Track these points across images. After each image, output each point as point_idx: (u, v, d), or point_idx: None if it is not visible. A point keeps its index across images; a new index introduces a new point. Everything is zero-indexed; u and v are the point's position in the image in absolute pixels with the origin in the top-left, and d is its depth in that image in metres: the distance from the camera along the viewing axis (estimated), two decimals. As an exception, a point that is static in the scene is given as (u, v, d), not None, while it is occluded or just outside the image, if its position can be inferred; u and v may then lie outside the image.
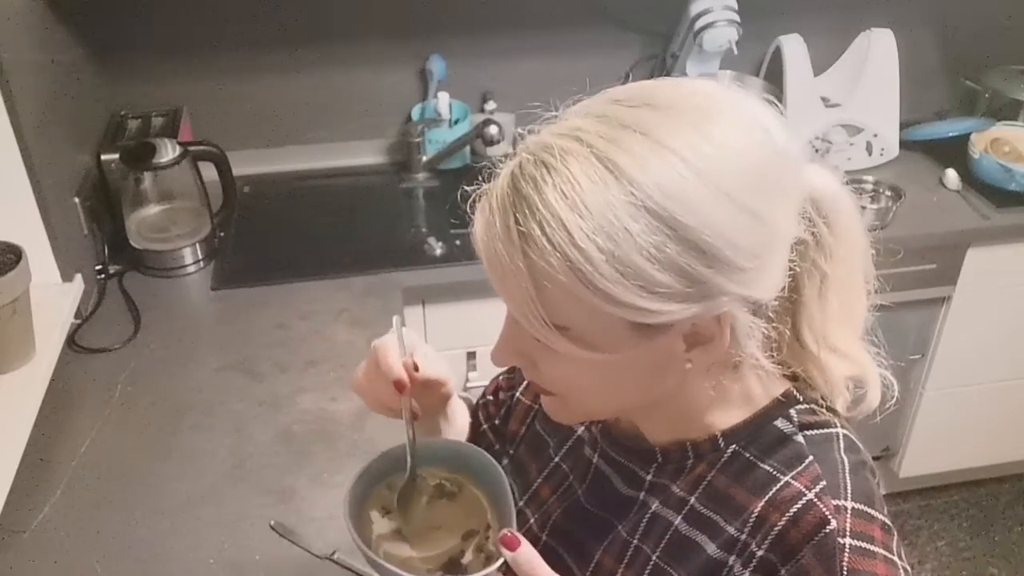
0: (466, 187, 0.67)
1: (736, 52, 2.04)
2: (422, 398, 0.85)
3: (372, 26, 2.07)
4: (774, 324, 0.67)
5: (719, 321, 0.63)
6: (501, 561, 0.67)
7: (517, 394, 0.94)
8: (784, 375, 0.73)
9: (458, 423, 0.96)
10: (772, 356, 0.68)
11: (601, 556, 0.77)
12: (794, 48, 2.09)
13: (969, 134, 2.12)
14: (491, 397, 1.00)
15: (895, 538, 0.67)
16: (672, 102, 0.61)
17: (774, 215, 0.61)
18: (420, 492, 0.79)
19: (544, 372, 0.68)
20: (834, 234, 0.67)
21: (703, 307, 0.60)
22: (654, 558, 0.73)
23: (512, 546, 0.65)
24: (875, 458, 2.39)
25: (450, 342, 1.85)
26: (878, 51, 2.10)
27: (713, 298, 0.60)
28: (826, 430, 0.71)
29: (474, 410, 1.02)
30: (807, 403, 0.72)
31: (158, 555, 1.21)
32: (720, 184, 0.58)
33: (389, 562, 0.70)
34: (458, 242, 1.88)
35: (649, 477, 0.76)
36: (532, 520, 0.85)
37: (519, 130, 2.19)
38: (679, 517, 0.72)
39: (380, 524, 0.77)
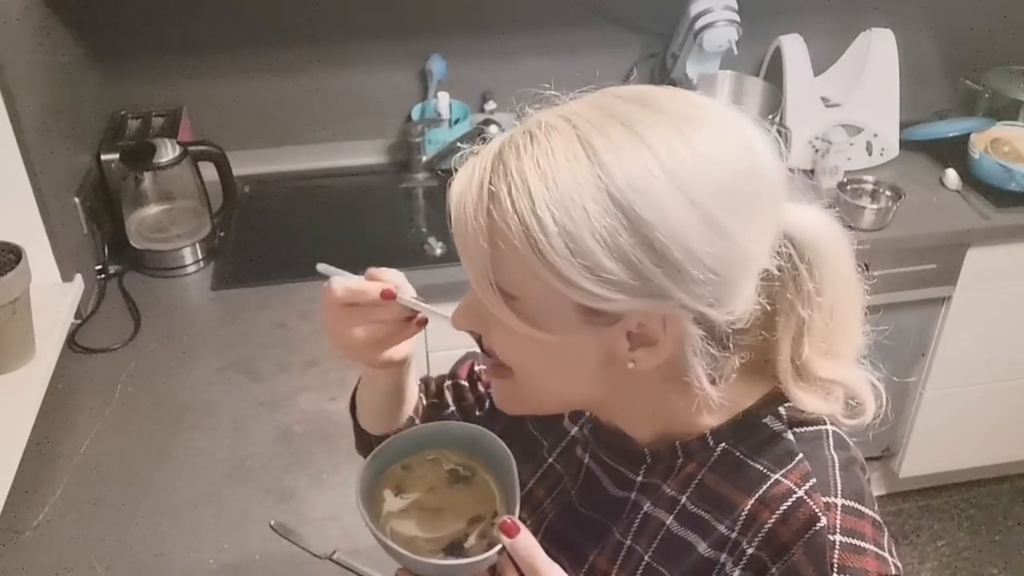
0: (460, 143, 0.70)
1: (736, 52, 2.04)
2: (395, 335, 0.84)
3: (372, 26, 2.07)
4: (731, 354, 0.66)
5: (664, 326, 0.63)
6: (500, 547, 0.67)
7: None
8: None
9: (411, 394, 0.94)
10: (718, 387, 0.67)
11: (595, 558, 0.77)
12: (794, 48, 2.09)
13: (969, 134, 2.11)
14: (465, 383, 0.99)
15: (886, 534, 0.67)
16: (665, 104, 0.62)
17: (741, 236, 0.60)
18: (433, 471, 0.81)
19: (494, 342, 0.69)
20: (816, 279, 0.65)
21: (646, 304, 0.60)
22: (647, 558, 0.73)
23: (511, 533, 0.66)
24: (875, 458, 2.40)
25: (450, 342, 1.84)
26: (878, 51, 2.10)
27: (657, 298, 0.60)
28: (815, 427, 0.71)
29: (435, 389, 1.00)
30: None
31: (158, 555, 1.21)
32: (688, 189, 0.58)
33: (395, 540, 0.72)
34: (458, 242, 1.87)
35: (639, 478, 0.75)
36: (527, 522, 0.84)
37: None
38: (671, 517, 0.72)
39: (392, 502, 0.78)
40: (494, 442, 0.79)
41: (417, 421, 0.94)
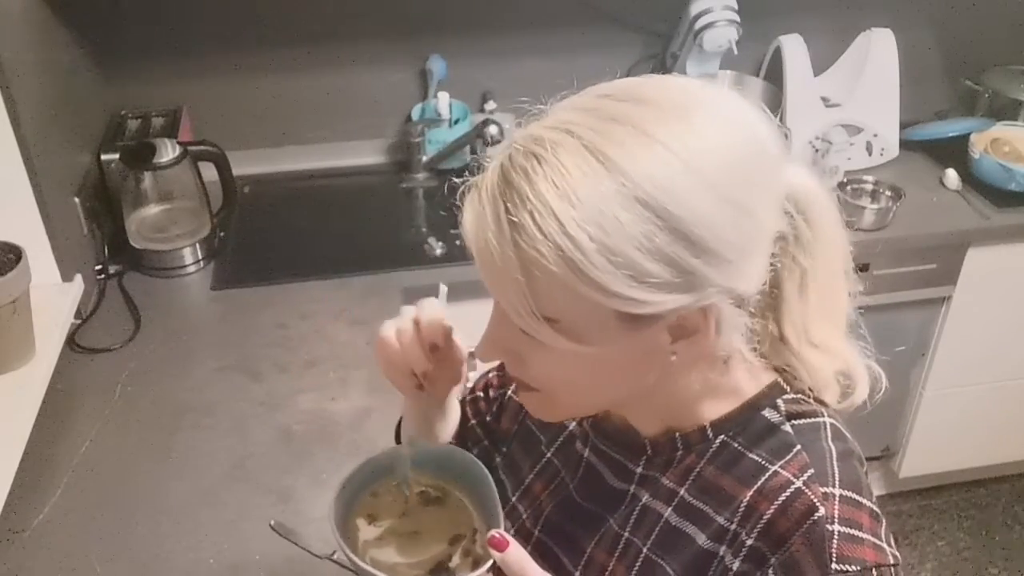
0: (454, 179, 0.67)
1: (736, 52, 2.04)
2: (438, 371, 0.85)
3: (372, 26, 2.07)
4: (756, 318, 0.67)
5: (704, 314, 0.63)
6: (490, 563, 0.67)
7: (509, 392, 0.94)
8: (771, 367, 0.74)
9: (452, 417, 0.96)
10: (755, 349, 0.69)
11: (593, 550, 0.78)
12: (794, 48, 2.09)
13: (969, 134, 2.12)
14: (480, 394, 1.00)
15: (883, 525, 0.68)
16: (658, 97, 0.62)
17: (758, 208, 0.62)
18: (405, 496, 0.80)
19: (530, 367, 0.68)
20: (812, 230, 0.68)
21: (690, 298, 0.61)
22: (645, 550, 0.73)
23: (501, 547, 0.66)
24: (875, 458, 2.40)
25: (450, 342, 1.85)
26: (878, 51, 2.10)
27: (700, 289, 0.61)
28: (813, 419, 0.71)
29: (462, 407, 1.02)
30: (794, 393, 0.73)
31: (158, 555, 1.21)
32: (707, 176, 0.59)
33: (377, 568, 0.70)
34: (458, 242, 1.87)
35: (639, 470, 0.76)
36: (525, 516, 0.85)
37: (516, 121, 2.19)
38: (669, 509, 0.73)
39: (366, 531, 0.77)
40: (464, 457, 0.79)
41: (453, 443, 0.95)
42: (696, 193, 0.58)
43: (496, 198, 0.60)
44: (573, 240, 0.57)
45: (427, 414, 0.91)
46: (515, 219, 0.59)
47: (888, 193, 2.02)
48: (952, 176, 2.08)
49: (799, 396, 0.72)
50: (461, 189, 0.65)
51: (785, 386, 0.73)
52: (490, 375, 1.01)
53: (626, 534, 0.75)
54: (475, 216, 0.62)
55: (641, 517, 0.75)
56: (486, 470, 0.77)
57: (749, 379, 0.72)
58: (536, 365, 0.67)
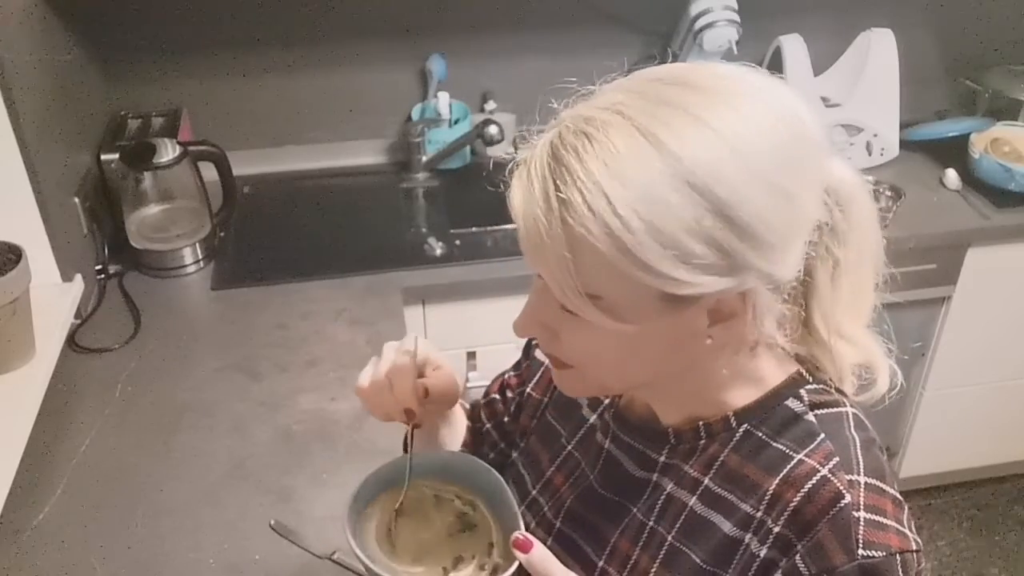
0: (505, 155, 0.70)
1: (736, 52, 2.04)
2: (428, 407, 0.86)
3: (372, 26, 2.07)
4: (788, 305, 0.69)
5: (743, 298, 0.64)
6: (514, 567, 0.67)
7: (527, 390, 0.95)
8: (794, 357, 0.75)
9: (457, 427, 0.97)
10: (786, 335, 0.70)
11: (617, 539, 0.78)
12: (794, 48, 2.09)
13: (969, 134, 2.11)
14: (497, 396, 1.00)
15: (906, 511, 0.68)
16: (707, 83, 0.63)
17: (800, 195, 0.63)
18: (421, 510, 0.80)
19: (566, 342, 0.68)
20: (848, 223, 0.69)
21: (732, 282, 0.62)
22: (670, 538, 0.74)
23: (525, 548, 0.66)
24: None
25: (450, 342, 1.85)
26: (878, 51, 2.10)
27: (742, 273, 0.62)
28: (836, 409, 0.72)
29: (475, 412, 1.02)
30: (817, 383, 0.73)
31: (158, 555, 1.21)
32: (753, 161, 0.60)
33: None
34: (458, 242, 1.88)
35: (662, 459, 0.76)
36: (546, 508, 0.85)
37: (520, 130, 2.19)
38: (694, 497, 0.73)
39: (381, 542, 0.78)
40: (472, 463, 0.79)
41: (464, 451, 0.97)
42: (743, 178, 0.60)
43: (545, 175, 0.61)
44: (622, 219, 0.58)
45: (430, 431, 0.92)
46: (564, 196, 0.59)
47: (888, 193, 2.01)
48: (952, 176, 2.08)
49: (821, 386, 0.73)
50: (509, 166, 0.66)
51: (808, 376, 0.74)
52: (507, 376, 1.01)
53: (651, 523, 0.76)
54: (523, 192, 0.62)
55: (666, 506, 0.75)
56: (494, 472, 0.77)
57: (774, 368, 0.73)
58: (572, 342, 0.68)
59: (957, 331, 2.14)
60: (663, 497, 0.75)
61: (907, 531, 0.67)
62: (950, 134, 2.17)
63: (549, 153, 0.61)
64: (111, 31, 1.93)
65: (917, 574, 0.66)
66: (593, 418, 0.86)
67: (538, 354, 0.95)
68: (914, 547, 0.66)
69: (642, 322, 0.63)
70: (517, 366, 1.00)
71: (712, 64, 0.67)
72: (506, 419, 0.98)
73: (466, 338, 1.86)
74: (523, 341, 0.95)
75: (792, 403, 0.72)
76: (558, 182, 0.60)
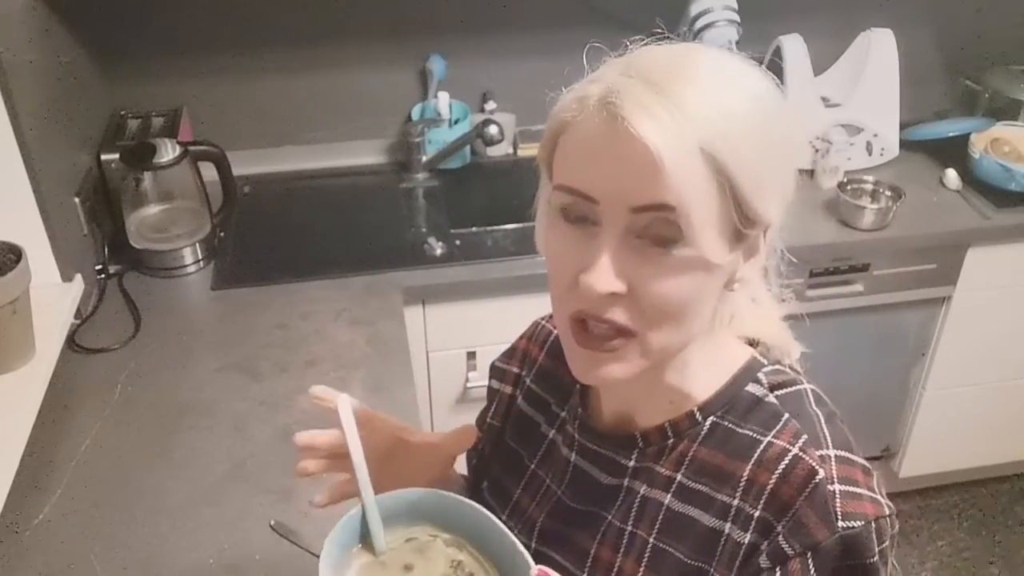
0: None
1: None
2: (412, 460, 0.84)
3: (372, 26, 2.07)
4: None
5: (764, 236, 0.68)
6: None
7: (488, 419, 0.93)
8: (745, 341, 0.76)
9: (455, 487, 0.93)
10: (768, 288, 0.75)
11: (597, 550, 0.77)
12: (794, 48, 2.09)
13: (969, 134, 2.11)
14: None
15: (874, 477, 0.70)
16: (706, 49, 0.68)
17: (803, 145, 0.70)
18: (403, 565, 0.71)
19: (645, 293, 0.63)
20: None
21: (779, 213, 0.67)
22: (651, 540, 0.74)
23: None
24: (875, 458, 2.40)
25: (450, 342, 1.85)
26: (878, 51, 2.10)
27: (782, 206, 0.68)
28: (795, 387, 0.74)
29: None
30: (771, 364, 0.75)
31: (158, 555, 1.21)
32: (784, 104, 0.67)
33: None
34: (458, 242, 1.88)
35: (631, 463, 0.76)
36: (516, 532, 0.82)
37: (519, 129, 2.19)
38: (668, 495, 0.73)
39: None
40: (444, 500, 0.72)
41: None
42: (788, 114, 0.66)
43: (659, 100, 0.60)
44: (741, 132, 0.61)
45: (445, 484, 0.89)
46: (686, 113, 0.60)
47: (888, 193, 2.02)
48: (952, 176, 2.08)
49: (777, 367, 0.75)
50: (580, 110, 0.64)
51: (763, 359, 0.75)
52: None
53: (629, 527, 0.75)
54: (647, 117, 0.59)
55: (642, 508, 0.75)
56: (476, 506, 0.71)
57: (732, 350, 0.75)
58: (654, 290, 0.63)
59: (957, 331, 2.14)
60: (638, 500, 0.75)
61: (879, 497, 0.68)
62: (950, 134, 2.17)
63: (645, 87, 0.61)
64: (111, 31, 1.93)
65: (892, 536, 0.68)
66: (552, 434, 0.85)
67: (492, 383, 0.93)
68: (887, 511, 0.67)
69: (722, 258, 0.65)
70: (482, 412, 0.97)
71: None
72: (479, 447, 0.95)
73: (466, 338, 1.86)
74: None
75: (752, 387, 0.73)
76: (677, 103, 0.60)
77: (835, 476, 0.67)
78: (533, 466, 0.86)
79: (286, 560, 1.18)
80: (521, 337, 0.93)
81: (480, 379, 1.89)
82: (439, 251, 1.85)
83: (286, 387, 1.49)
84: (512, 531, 0.71)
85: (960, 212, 2.02)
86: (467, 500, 0.71)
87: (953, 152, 2.13)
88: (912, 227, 1.96)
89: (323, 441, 0.81)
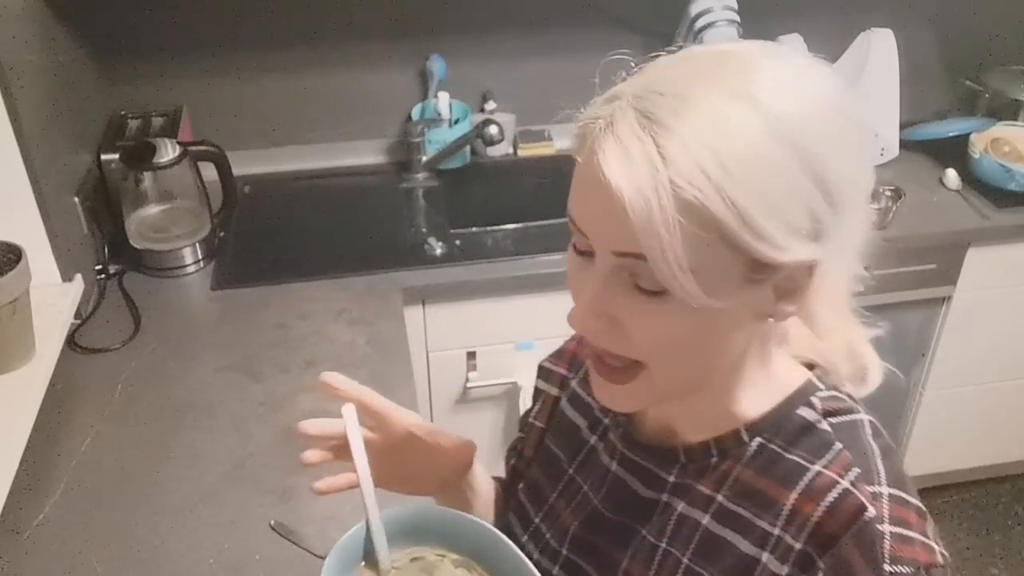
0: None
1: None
2: (427, 457, 0.83)
3: (372, 26, 2.07)
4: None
5: (810, 271, 0.62)
6: None
7: (531, 419, 0.91)
8: (802, 363, 0.72)
9: (483, 492, 0.92)
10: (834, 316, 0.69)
11: (628, 564, 0.75)
12: (794, 48, 2.09)
13: (969, 134, 2.11)
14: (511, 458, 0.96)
15: (929, 522, 0.66)
16: (772, 50, 0.62)
17: (869, 165, 0.62)
18: None
19: (637, 332, 0.62)
20: None
21: (814, 250, 0.59)
22: (685, 560, 0.70)
23: None
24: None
25: (450, 342, 1.85)
26: (878, 51, 2.10)
27: (822, 242, 0.60)
28: (851, 416, 0.69)
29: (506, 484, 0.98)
30: (828, 389, 0.70)
31: (158, 555, 1.21)
32: (836, 122, 0.59)
33: None
34: (458, 242, 1.88)
35: (672, 478, 0.73)
36: (548, 536, 0.82)
37: (519, 129, 2.19)
38: (707, 516, 0.70)
39: None
40: (444, 516, 0.71)
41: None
42: (832, 136, 0.58)
43: (642, 137, 0.56)
44: (732, 177, 0.55)
45: (460, 503, 0.88)
46: (669, 158, 0.55)
47: (888, 193, 2.01)
48: (952, 176, 2.08)
49: (834, 393, 0.70)
50: (579, 125, 0.61)
51: (818, 383, 0.71)
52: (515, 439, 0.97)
53: (663, 544, 0.72)
54: (621, 161, 0.56)
55: (678, 526, 0.72)
56: (486, 524, 0.70)
57: (786, 372, 0.71)
58: (646, 330, 0.61)
59: (957, 331, 2.14)
60: (675, 517, 0.72)
61: (933, 544, 0.64)
62: (950, 134, 2.17)
63: (636, 119, 0.57)
64: (111, 31, 1.93)
65: None
66: (594, 440, 0.82)
67: (539, 384, 0.92)
68: (940, 561, 0.64)
69: (727, 298, 0.59)
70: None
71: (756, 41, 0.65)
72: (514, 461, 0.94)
73: (466, 338, 1.86)
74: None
75: (804, 412, 0.69)
76: (660, 144, 0.55)
77: (887, 516, 0.63)
78: (572, 471, 0.84)
79: (286, 560, 1.18)
80: (572, 339, 0.91)
81: (480, 379, 1.89)
82: (439, 251, 1.85)
83: (286, 387, 1.49)
84: (542, 536, 0.71)
85: (960, 212, 2.02)
86: (476, 519, 0.70)
87: (953, 152, 2.13)
88: (912, 227, 1.96)
89: (330, 430, 0.80)
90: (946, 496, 2.53)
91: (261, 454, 1.37)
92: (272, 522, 1.22)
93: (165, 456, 1.37)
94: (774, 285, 0.62)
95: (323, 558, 1.11)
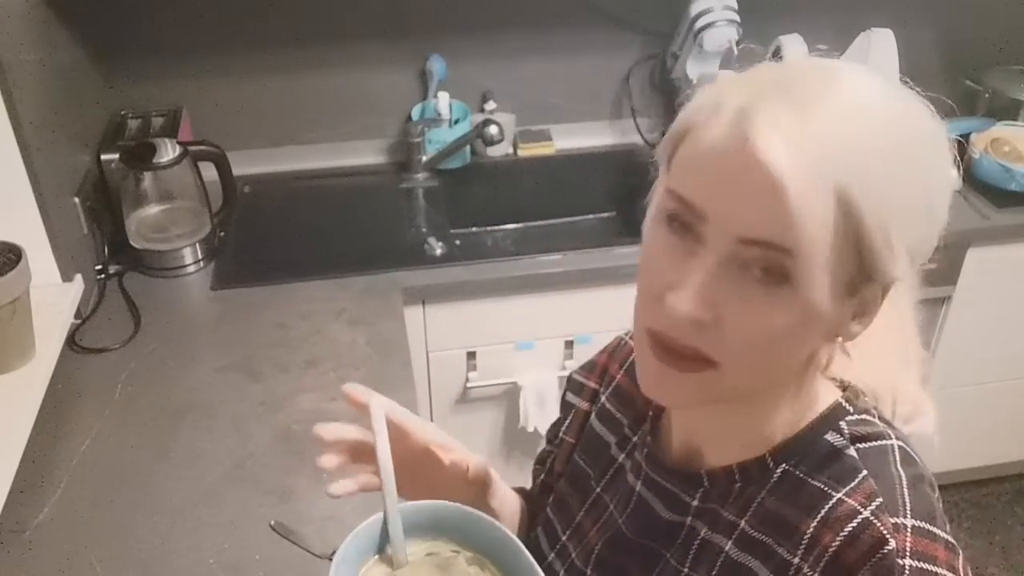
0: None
1: (736, 52, 2.04)
2: (438, 477, 0.81)
3: (372, 26, 2.07)
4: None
5: (885, 292, 0.61)
6: None
7: (561, 434, 0.90)
8: (835, 385, 0.70)
9: (507, 506, 0.89)
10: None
11: None
12: (794, 48, 2.09)
13: (969, 134, 2.12)
14: (540, 466, 0.95)
15: (960, 557, 0.62)
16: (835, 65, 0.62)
17: (948, 187, 0.62)
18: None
19: (733, 324, 0.59)
20: None
21: (905, 269, 0.59)
22: None
23: None
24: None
25: (450, 342, 1.85)
26: (878, 51, 2.10)
27: (914, 264, 0.60)
28: (880, 442, 0.66)
29: (540, 488, 0.95)
30: (859, 413, 0.68)
31: (158, 555, 1.21)
32: (940, 143, 0.61)
33: None
34: (458, 242, 1.88)
35: (695, 502, 0.72)
36: (574, 555, 0.81)
37: (518, 129, 2.19)
38: (729, 542, 0.68)
39: None
40: (461, 513, 0.70)
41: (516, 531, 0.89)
42: (939, 157, 0.61)
43: (801, 126, 0.55)
44: (883, 176, 0.55)
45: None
46: (827, 146, 0.55)
47: (888, 193, 2.01)
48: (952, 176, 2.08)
49: (864, 417, 0.68)
50: (695, 106, 0.60)
51: (848, 406, 0.68)
52: (542, 450, 0.95)
53: (686, 570, 0.71)
54: (783, 142, 0.54)
55: (700, 552, 0.70)
56: (505, 529, 0.69)
57: (818, 393, 0.69)
58: (744, 323, 0.59)
59: (957, 331, 2.14)
60: (697, 542, 0.70)
61: None
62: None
63: (789, 107, 0.55)
64: (111, 31, 1.93)
65: None
66: (621, 458, 0.81)
67: (568, 396, 0.90)
68: None
69: (832, 303, 0.58)
70: (557, 428, 0.94)
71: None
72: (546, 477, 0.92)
73: (466, 338, 1.86)
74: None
75: (831, 436, 0.66)
76: (820, 133, 0.54)
77: (909, 549, 0.59)
78: (599, 489, 0.82)
79: (286, 560, 1.18)
80: (603, 352, 0.90)
81: (480, 379, 1.89)
82: (439, 251, 1.85)
83: (286, 387, 1.49)
84: (568, 554, 0.71)
85: (960, 212, 2.01)
86: (489, 518, 0.70)
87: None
88: (912, 227, 1.96)
89: (345, 435, 0.78)
90: (946, 496, 2.52)
91: (261, 454, 1.37)
92: (272, 522, 1.22)
93: (165, 456, 1.37)
94: (856, 301, 0.61)
95: (323, 558, 1.12)
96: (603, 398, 0.86)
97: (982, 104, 2.26)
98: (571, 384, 0.91)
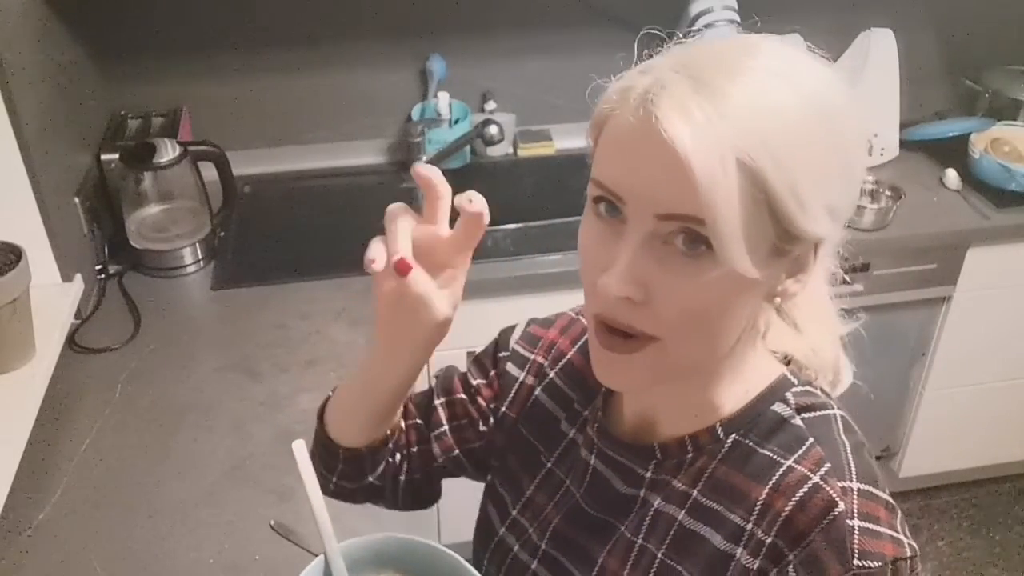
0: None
1: (802, 46, 2.04)
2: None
3: (372, 26, 2.07)
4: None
5: (815, 251, 0.64)
6: None
7: (504, 409, 0.90)
8: (777, 358, 0.73)
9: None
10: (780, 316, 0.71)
11: (605, 559, 0.76)
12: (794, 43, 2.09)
13: (969, 134, 2.12)
14: (463, 396, 0.94)
15: (899, 516, 0.67)
16: (776, 39, 0.65)
17: (864, 151, 0.66)
18: None
19: (665, 300, 0.61)
20: None
21: (831, 228, 0.62)
22: (659, 555, 0.71)
23: None
24: (875, 458, 2.40)
25: (450, 342, 1.84)
26: (878, 51, 2.10)
27: (836, 222, 0.63)
28: (823, 412, 0.70)
29: (423, 409, 0.95)
30: (802, 385, 0.72)
31: (158, 555, 1.21)
32: (852, 108, 0.62)
33: None
34: (458, 242, 1.87)
35: (648, 474, 0.74)
36: (530, 530, 0.83)
37: (518, 129, 2.19)
38: (682, 512, 0.71)
39: None
40: (414, 546, 0.70)
41: (390, 445, 0.88)
42: (853, 122, 0.62)
43: (701, 103, 0.57)
44: (788, 147, 0.57)
45: (392, 386, 0.84)
46: (727, 118, 0.56)
47: (888, 193, 2.02)
48: (952, 176, 2.08)
49: (807, 388, 0.72)
50: (618, 87, 0.63)
51: (792, 378, 0.72)
52: (475, 383, 0.93)
53: (639, 540, 0.73)
54: (684, 119, 0.56)
55: (654, 522, 0.73)
56: (447, 551, 0.69)
57: (764, 366, 0.72)
58: (675, 298, 0.61)
59: (957, 331, 2.14)
60: (651, 513, 0.73)
61: (902, 536, 0.65)
62: (950, 134, 2.17)
63: (691, 85, 0.57)
64: (111, 31, 1.93)
65: None
66: (572, 433, 0.82)
67: (509, 368, 0.90)
68: (908, 553, 0.64)
69: (758, 267, 0.60)
70: (483, 373, 0.93)
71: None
72: (482, 427, 0.90)
73: (466, 338, 1.85)
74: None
75: (778, 407, 0.70)
76: (719, 107, 0.56)
77: (856, 511, 0.64)
78: (550, 464, 0.84)
79: (286, 560, 1.18)
80: (551, 326, 0.91)
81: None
82: (439, 251, 1.84)
83: (286, 387, 1.49)
84: (524, 530, 0.72)
85: (960, 212, 2.02)
86: (425, 541, 0.70)
87: (953, 152, 2.13)
88: (912, 227, 1.96)
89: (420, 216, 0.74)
90: (946, 496, 2.53)
91: (261, 454, 1.37)
92: (272, 522, 1.22)
93: (165, 456, 1.37)
94: (788, 262, 0.63)
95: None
96: (550, 373, 0.87)
97: (982, 104, 2.26)
98: (514, 355, 0.91)
